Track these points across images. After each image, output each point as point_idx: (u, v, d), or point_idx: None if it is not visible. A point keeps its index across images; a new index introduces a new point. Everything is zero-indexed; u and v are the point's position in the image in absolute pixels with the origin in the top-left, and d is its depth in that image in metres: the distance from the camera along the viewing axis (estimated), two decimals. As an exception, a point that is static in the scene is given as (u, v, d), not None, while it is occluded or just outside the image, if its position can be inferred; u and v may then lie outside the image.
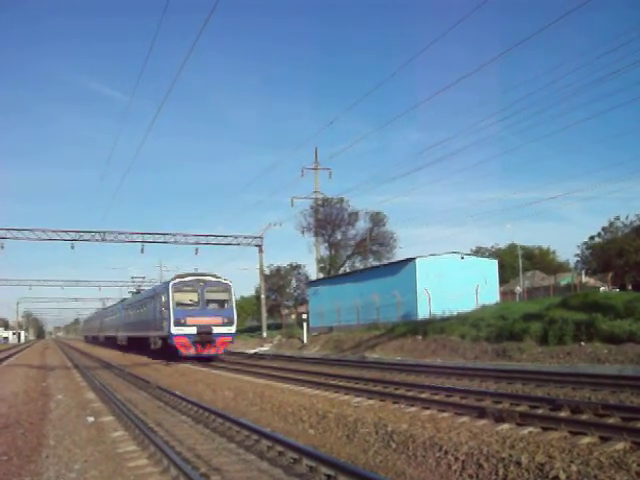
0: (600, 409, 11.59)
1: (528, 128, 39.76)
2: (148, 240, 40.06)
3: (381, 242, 68.00)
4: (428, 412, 13.06)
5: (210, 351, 32.88)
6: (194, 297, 33.73)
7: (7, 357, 49.32)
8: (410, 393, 16.18)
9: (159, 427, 12.83)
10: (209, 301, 34.14)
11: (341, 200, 65.63)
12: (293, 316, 72.64)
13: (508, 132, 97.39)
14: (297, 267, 79.14)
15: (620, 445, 8.90)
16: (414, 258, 44.92)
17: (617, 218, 77.29)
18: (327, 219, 67.35)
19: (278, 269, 78.76)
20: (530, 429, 10.59)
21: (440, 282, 41.76)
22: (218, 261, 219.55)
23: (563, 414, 11.84)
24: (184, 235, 41.20)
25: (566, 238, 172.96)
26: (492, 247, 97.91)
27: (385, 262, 60.43)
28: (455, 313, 35.98)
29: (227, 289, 34.91)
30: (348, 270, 66.51)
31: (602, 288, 50.23)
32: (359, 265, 68.22)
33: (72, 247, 41.71)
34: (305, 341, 46.74)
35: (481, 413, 12.17)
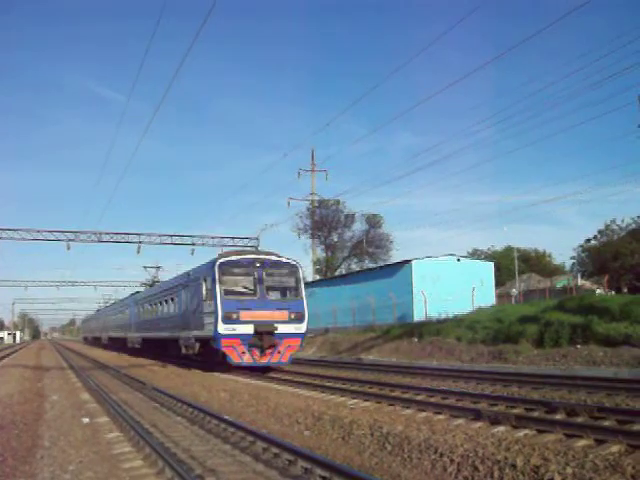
0: (596, 412, 11.60)
1: (523, 131, 40.06)
2: (144, 241, 39.79)
3: (377, 244, 68.17)
4: (424, 414, 13.06)
5: (272, 358, 24.63)
6: (249, 283, 25.25)
7: (2, 358, 49.13)
8: (406, 395, 16.20)
9: (154, 428, 12.80)
10: (269, 288, 25.61)
11: (337, 202, 65.66)
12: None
13: (503, 135, 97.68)
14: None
15: (615, 448, 8.91)
16: (410, 260, 45.00)
17: (613, 221, 77.58)
18: (323, 221, 67.42)
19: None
20: (526, 432, 10.60)
21: (436, 284, 41.85)
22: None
23: (559, 417, 11.85)
24: (180, 236, 40.99)
25: (562, 241, 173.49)
26: (488, 249, 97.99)
27: (381, 264, 60.53)
28: (451, 315, 36.07)
29: (294, 272, 26.44)
30: (344, 272, 66.55)
31: (598, 291, 50.36)
32: (355, 267, 68.39)
33: (68, 248, 41.44)
34: (301, 343, 46.64)
35: (477, 415, 12.18)
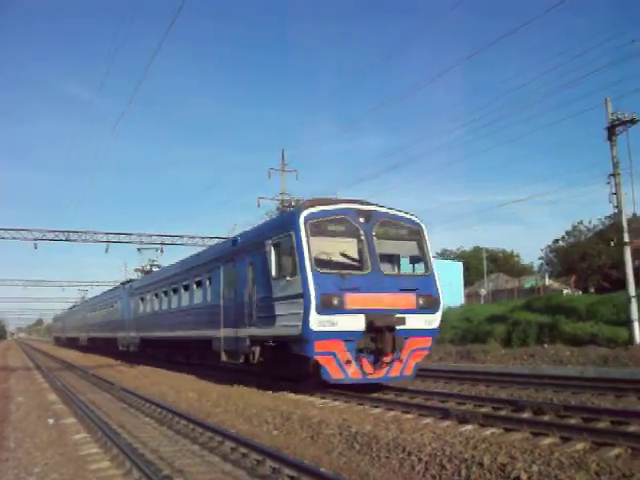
0: (562, 410, 11.77)
1: (496, 131, 40.38)
2: (113, 240, 39.37)
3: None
4: (392, 413, 13.14)
5: (392, 371, 15.80)
6: (352, 248, 16.40)
7: (-33, 358, 48.40)
8: (374, 394, 16.23)
9: (122, 429, 12.69)
10: (384, 259, 16.86)
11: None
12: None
13: (475, 135, 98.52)
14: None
15: (580, 445, 9.05)
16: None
17: (580, 222, 78.60)
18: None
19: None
20: (493, 430, 10.71)
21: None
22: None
23: (525, 415, 12.01)
24: (149, 235, 40.65)
25: (531, 241, 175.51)
26: (457, 249, 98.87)
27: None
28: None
29: (418, 232, 17.36)
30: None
31: (565, 291, 51.01)
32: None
33: (35, 247, 41.04)
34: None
35: (445, 414, 12.28)
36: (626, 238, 24.20)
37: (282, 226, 17.14)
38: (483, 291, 59.07)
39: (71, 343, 74.48)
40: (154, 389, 19.52)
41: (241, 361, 19.08)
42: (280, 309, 16.26)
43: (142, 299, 34.94)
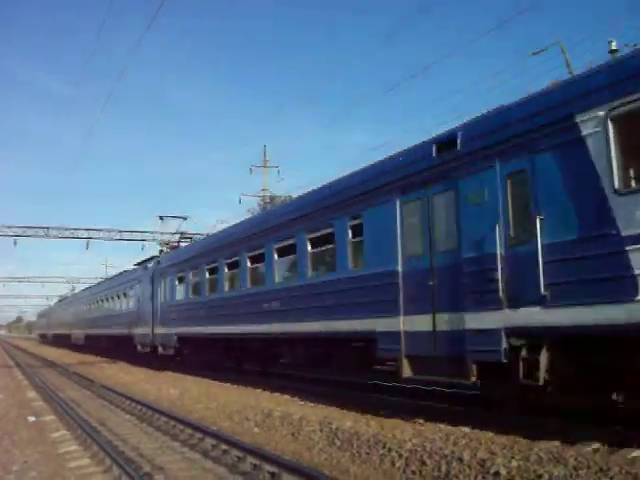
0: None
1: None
2: (93, 236, 39.15)
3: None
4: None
5: None
6: None
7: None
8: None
9: (102, 426, 12.64)
10: None
11: (289, 198, 65.54)
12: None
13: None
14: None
15: (557, 441, 9.12)
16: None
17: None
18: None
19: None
20: (472, 426, 10.76)
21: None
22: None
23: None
24: (130, 231, 40.41)
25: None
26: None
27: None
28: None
29: None
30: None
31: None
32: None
33: (15, 243, 40.74)
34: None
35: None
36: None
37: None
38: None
39: (59, 341, 65.14)
40: (136, 387, 19.44)
41: (470, 381, 10.26)
42: None
43: (182, 280, 24.82)
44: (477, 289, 9.97)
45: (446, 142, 11.10)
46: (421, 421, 10.83)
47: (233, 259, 19.75)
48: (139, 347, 29.65)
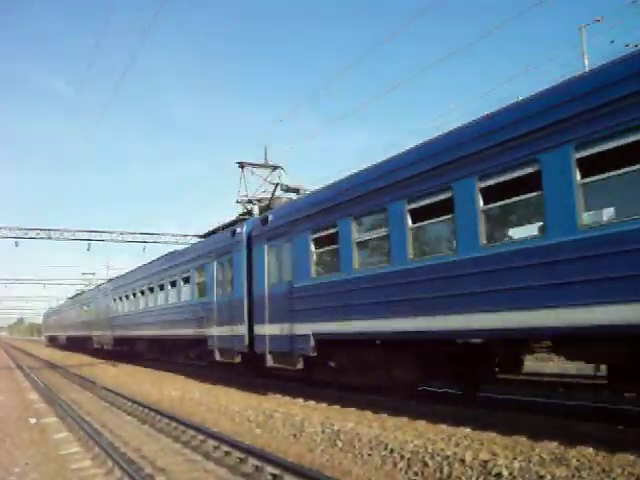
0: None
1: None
2: (95, 238, 39.16)
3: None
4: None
5: None
6: None
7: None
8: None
9: (104, 428, 12.63)
10: None
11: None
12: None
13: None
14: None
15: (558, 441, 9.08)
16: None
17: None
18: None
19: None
20: (474, 426, 10.73)
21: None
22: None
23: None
24: (131, 233, 40.42)
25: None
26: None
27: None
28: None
29: None
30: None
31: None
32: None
33: (16, 244, 40.77)
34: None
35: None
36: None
37: None
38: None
39: (75, 345, 53.79)
40: (137, 388, 19.41)
41: None
42: None
43: (329, 240, 14.11)
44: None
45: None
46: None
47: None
48: (217, 355, 19.23)
